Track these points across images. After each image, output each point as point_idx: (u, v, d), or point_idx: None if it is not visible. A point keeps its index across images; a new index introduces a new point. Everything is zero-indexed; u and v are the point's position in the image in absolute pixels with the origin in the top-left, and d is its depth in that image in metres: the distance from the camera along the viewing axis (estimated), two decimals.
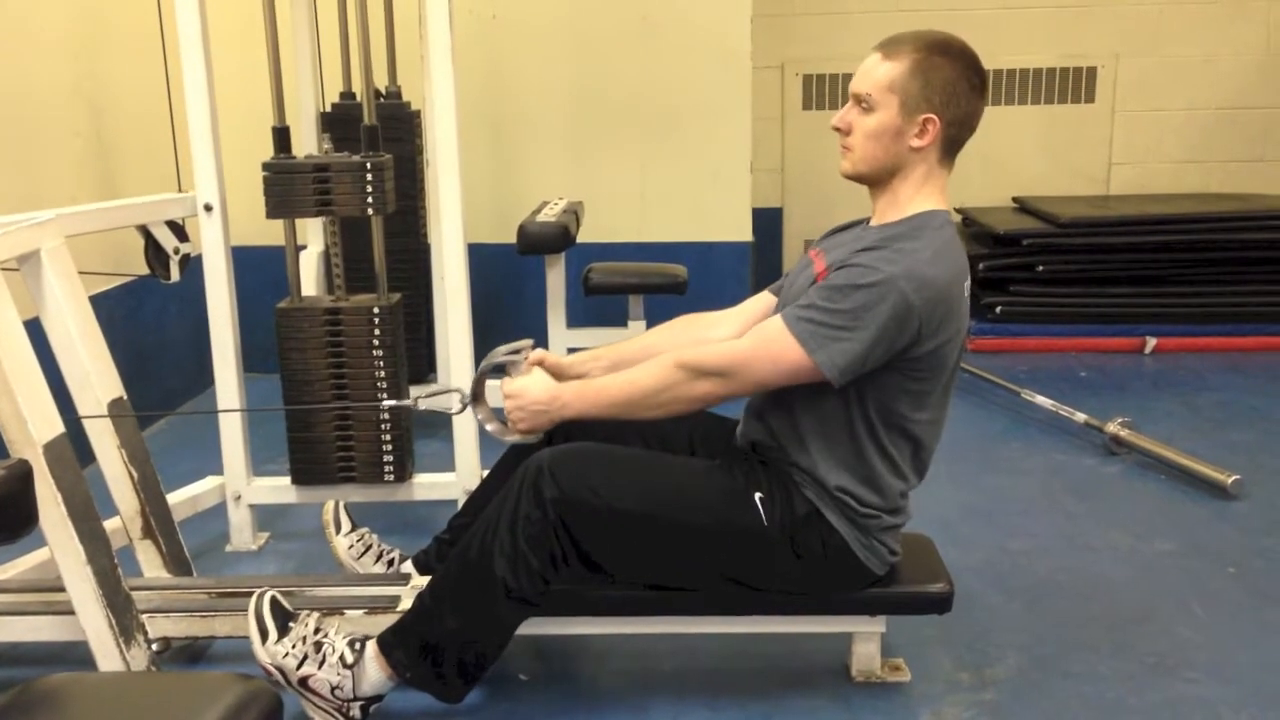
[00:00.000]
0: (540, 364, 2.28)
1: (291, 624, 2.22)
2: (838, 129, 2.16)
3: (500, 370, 2.28)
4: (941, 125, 2.08)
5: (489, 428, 2.30)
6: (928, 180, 2.13)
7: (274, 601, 2.24)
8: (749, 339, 2.14)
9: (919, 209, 2.13)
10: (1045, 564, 2.94)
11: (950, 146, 2.13)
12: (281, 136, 2.89)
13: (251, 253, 3.71)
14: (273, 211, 2.87)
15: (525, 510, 2.14)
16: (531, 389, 2.19)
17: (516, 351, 2.27)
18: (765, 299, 2.40)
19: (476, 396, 2.32)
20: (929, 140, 2.09)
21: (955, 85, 2.07)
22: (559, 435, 2.40)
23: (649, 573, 2.26)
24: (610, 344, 2.49)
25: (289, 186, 2.85)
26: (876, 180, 2.15)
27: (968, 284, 2.15)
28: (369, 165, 2.84)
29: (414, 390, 2.94)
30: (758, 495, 2.17)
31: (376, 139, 2.91)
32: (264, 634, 2.19)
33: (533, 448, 2.33)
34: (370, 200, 2.86)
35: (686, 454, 2.38)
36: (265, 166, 2.85)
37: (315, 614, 2.26)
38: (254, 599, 2.24)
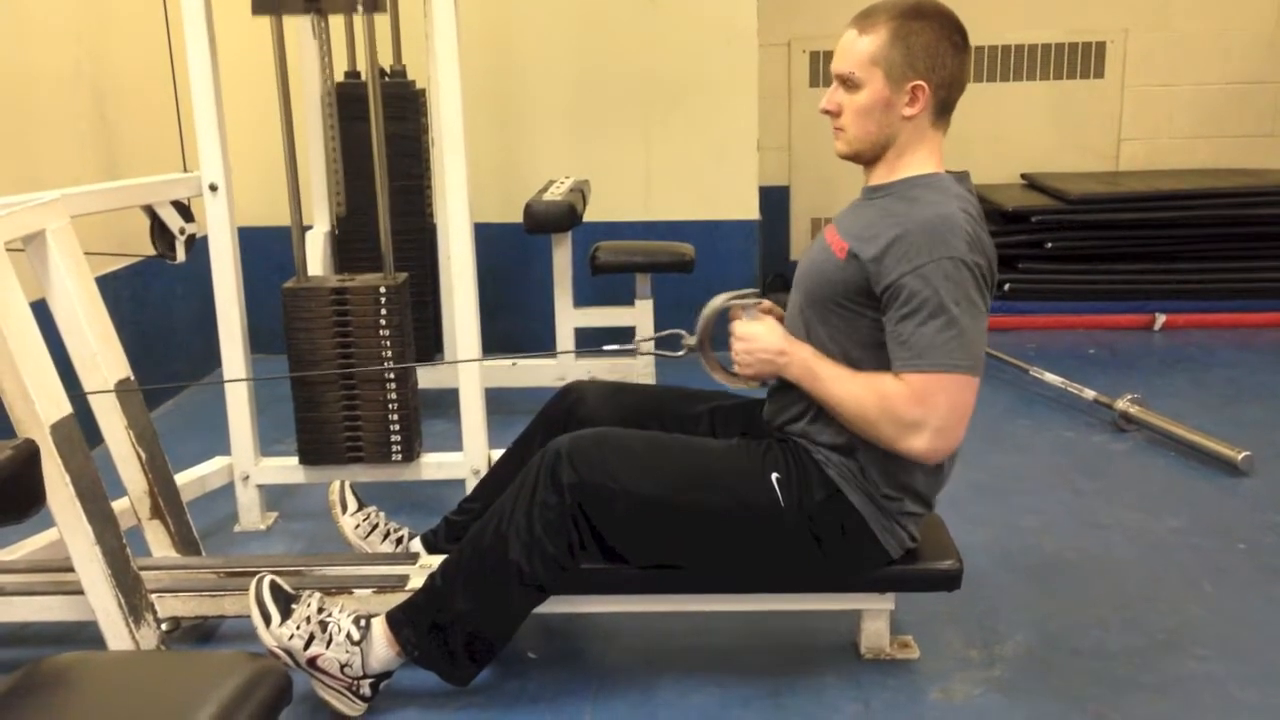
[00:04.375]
0: (768, 313, 2.27)
1: (294, 605, 2.21)
2: (828, 111, 2.15)
3: (724, 316, 2.27)
4: (930, 89, 2.06)
5: (715, 375, 2.30)
6: (922, 144, 2.12)
7: (273, 585, 2.23)
8: (921, 392, 2.02)
9: (918, 171, 2.12)
10: (1054, 541, 2.93)
11: (941, 109, 2.11)
12: None
13: (257, 233, 3.70)
14: (258, 6, 2.76)
15: (542, 496, 2.13)
16: (765, 336, 2.17)
17: (742, 298, 2.25)
18: None
19: (702, 340, 2.31)
20: (920, 107, 2.07)
21: (937, 47, 2.05)
22: (578, 417, 2.40)
23: (666, 556, 2.25)
24: None
25: None
26: (874, 156, 2.14)
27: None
28: None
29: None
30: (775, 476, 2.16)
31: None
32: (266, 618, 2.18)
33: (549, 430, 2.33)
34: None
35: (707, 435, 2.37)
36: None
37: (317, 594, 2.26)
38: (253, 584, 2.23)
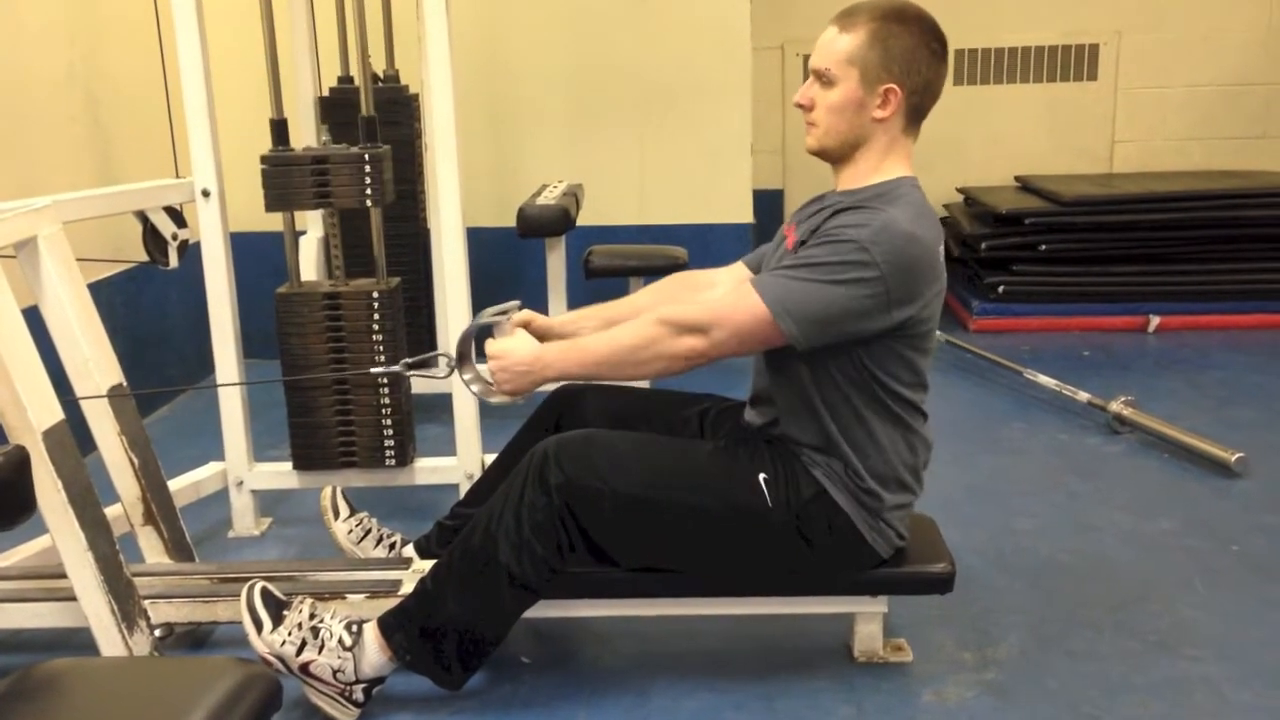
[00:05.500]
0: (527, 325, 2.26)
1: (285, 612, 2.21)
2: (800, 105, 2.16)
3: (487, 331, 2.26)
4: (904, 95, 2.07)
5: (474, 389, 2.28)
6: (892, 150, 2.12)
7: (264, 591, 2.23)
8: (726, 295, 2.14)
9: (885, 177, 2.12)
10: (1048, 543, 2.93)
11: (914, 115, 2.12)
12: (279, 129, 2.88)
13: (250, 239, 3.71)
14: (271, 204, 2.86)
15: (530, 497, 2.13)
16: (515, 350, 2.18)
17: (503, 313, 2.25)
18: (745, 268, 2.41)
19: (463, 358, 2.30)
20: (891, 111, 2.08)
21: (915, 53, 2.06)
22: (568, 422, 2.39)
23: (655, 557, 2.25)
24: (599, 304, 2.46)
25: (287, 179, 2.84)
26: (841, 155, 2.15)
27: (942, 248, 2.15)
28: (367, 157, 2.83)
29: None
30: (762, 476, 2.16)
31: (374, 129, 2.89)
32: (258, 624, 2.18)
33: (539, 435, 2.33)
34: (369, 192, 2.85)
35: (696, 437, 2.37)
36: (264, 160, 2.84)
37: (309, 600, 2.26)
38: (244, 591, 2.23)
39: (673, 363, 2.11)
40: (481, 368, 2.28)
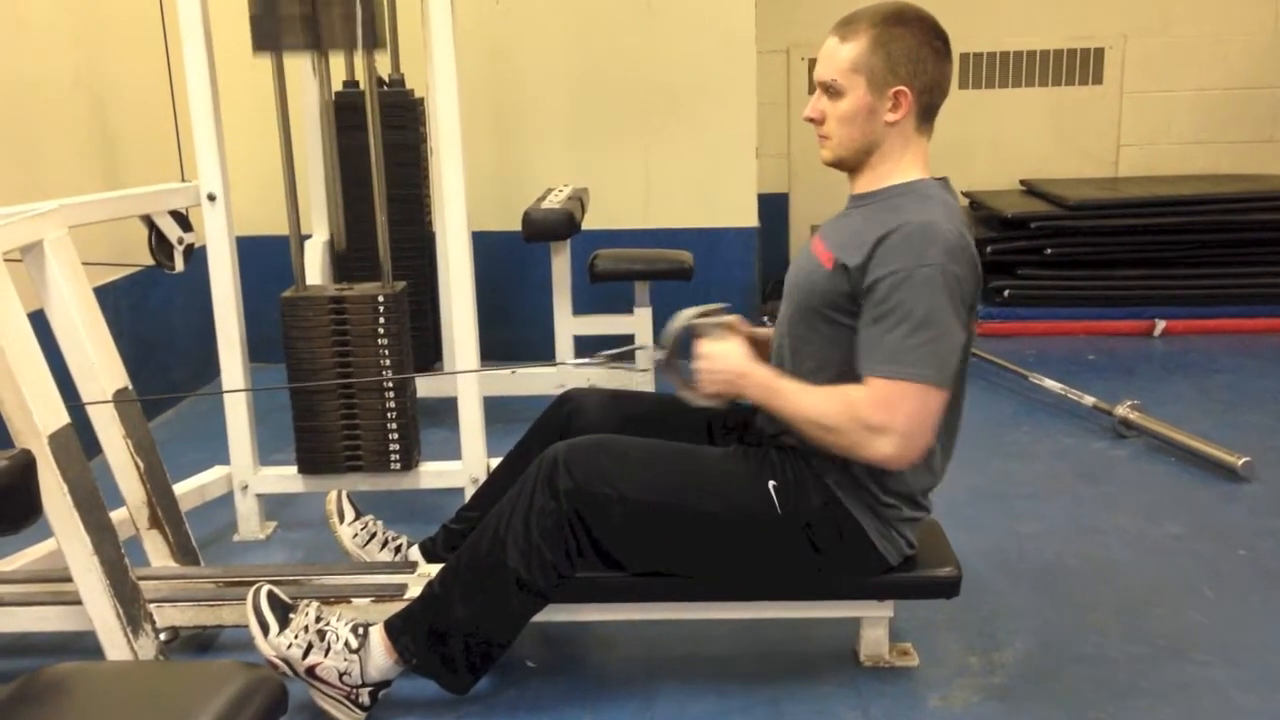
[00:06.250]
0: (733, 329, 2.26)
1: (291, 615, 2.22)
2: (811, 119, 2.15)
3: (693, 331, 2.25)
4: (913, 95, 2.07)
5: (679, 391, 2.26)
6: (907, 150, 2.12)
7: (270, 594, 2.24)
8: (881, 403, 2.00)
9: (904, 178, 2.12)
10: (1054, 547, 2.92)
11: (925, 114, 2.11)
12: None
13: (256, 242, 3.70)
14: (259, 43, 2.78)
15: (540, 502, 2.13)
16: (728, 357, 2.16)
17: (718, 312, 2.25)
18: None
19: (671, 354, 2.28)
20: (903, 112, 2.08)
21: (919, 52, 2.05)
22: (576, 426, 2.39)
23: (663, 563, 2.25)
24: None
25: (275, 16, 2.75)
26: (858, 163, 2.14)
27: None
28: None
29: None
30: (771, 483, 2.16)
31: None
32: (264, 627, 2.19)
33: (547, 439, 2.33)
34: (361, 32, 2.78)
35: (705, 442, 2.37)
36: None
37: (315, 603, 2.26)
38: (250, 594, 2.23)
39: (860, 458, 2.07)
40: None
